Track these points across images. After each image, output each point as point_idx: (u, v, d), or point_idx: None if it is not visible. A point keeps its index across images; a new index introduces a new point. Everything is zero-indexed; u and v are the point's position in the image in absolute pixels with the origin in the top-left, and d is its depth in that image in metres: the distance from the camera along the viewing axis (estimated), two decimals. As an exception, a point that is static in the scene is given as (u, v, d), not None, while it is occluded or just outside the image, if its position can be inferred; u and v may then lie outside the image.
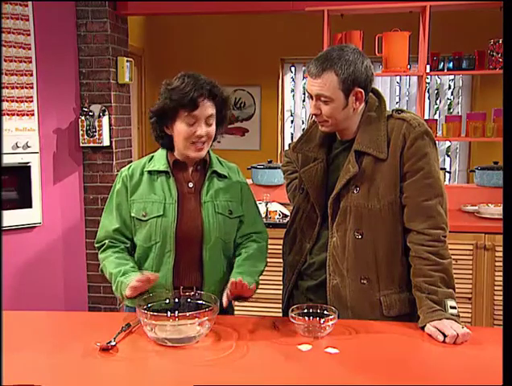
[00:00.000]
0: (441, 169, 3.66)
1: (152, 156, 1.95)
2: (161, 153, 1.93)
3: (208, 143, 1.87)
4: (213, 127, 1.86)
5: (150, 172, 1.90)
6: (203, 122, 1.82)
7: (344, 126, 1.81)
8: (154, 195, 1.86)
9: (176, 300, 1.74)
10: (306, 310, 1.69)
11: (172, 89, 1.81)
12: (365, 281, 1.79)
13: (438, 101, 6.09)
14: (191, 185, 1.90)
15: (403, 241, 1.79)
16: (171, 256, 1.84)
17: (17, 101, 3.49)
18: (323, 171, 1.86)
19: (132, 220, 1.88)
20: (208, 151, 1.94)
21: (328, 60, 1.71)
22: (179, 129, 1.82)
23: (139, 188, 1.88)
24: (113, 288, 1.83)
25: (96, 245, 1.94)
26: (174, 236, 1.83)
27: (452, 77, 5.93)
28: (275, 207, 3.51)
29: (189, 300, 1.73)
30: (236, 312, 2.03)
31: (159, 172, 1.89)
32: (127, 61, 3.96)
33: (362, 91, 1.75)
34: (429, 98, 5.95)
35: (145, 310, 1.61)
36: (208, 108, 1.82)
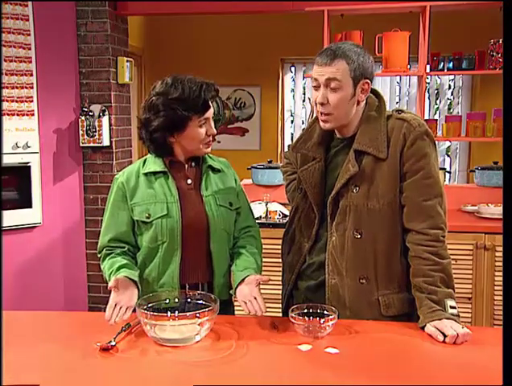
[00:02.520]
0: (441, 169, 3.67)
1: (145, 159, 1.95)
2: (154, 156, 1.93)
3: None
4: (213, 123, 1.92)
5: (146, 174, 1.89)
6: (211, 121, 1.87)
7: (345, 122, 1.80)
8: (155, 196, 1.86)
9: (176, 300, 1.74)
10: (306, 310, 1.69)
11: (177, 99, 1.79)
12: (363, 281, 1.79)
13: (438, 101, 6.09)
14: (189, 181, 1.91)
15: (402, 241, 1.79)
16: (178, 255, 1.85)
17: (17, 101, 3.49)
18: (321, 170, 1.86)
19: (136, 223, 1.88)
20: None
21: (338, 49, 1.74)
22: (193, 133, 1.84)
23: (138, 191, 1.88)
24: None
25: (98, 255, 1.95)
26: (180, 234, 1.84)
27: (452, 77, 5.92)
28: (275, 207, 3.51)
29: (189, 300, 1.74)
30: (236, 312, 2.03)
31: (156, 173, 1.89)
32: (127, 61, 3.96)
33: (369, 82, 1.77)
34: (429, 98, 5.95)
35: (145, 310, 1.61)
36: (212, 108, 1.88)
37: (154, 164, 1.90)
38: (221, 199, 1.92)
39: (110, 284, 1.70)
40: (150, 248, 1.86)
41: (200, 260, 1.89)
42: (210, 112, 1.86)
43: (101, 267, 1.91)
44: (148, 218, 1.84)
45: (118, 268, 1.80)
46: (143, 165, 1.93)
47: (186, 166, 1.93)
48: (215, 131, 1.89)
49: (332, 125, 1.80)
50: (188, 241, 1.86)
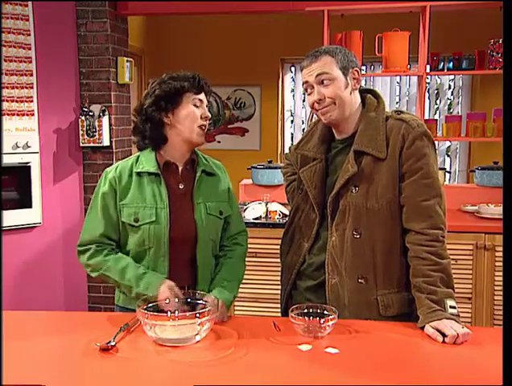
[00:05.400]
0: (441, 169, 3.67)
1: (138, 156, 1.91)
2: (149, 153, 1.89)
3: (205, 131, 1.90)
4: None
5: (139, 174, 1.86)
6: (205, 107, 1.87)
7: (346, 112, 1.80)
8: (145, 200, 1.83)
9: (176, 300, 1.74)
10: (306, 310, 1.69)
11: (174, 77, 1.84)
12: (362, 281, 1.79)
13: (438, 101, 6.09)
14: (181, 186, 1.89)
15: (402, 241, 1.79)
16: (166, 261, 1.84)
17: (17, 101, 3.49)
18: (322, 171, 1.87)
19: (122, 225, 1.85)
20: (195, 150, 1.94)
21: (319, 49, 1.81)
22: (187, 111, 1.83)
23: (129, 192, 1.85)
24: (140, 288, 1.78)
25: (78, 248, 1.90)
26: (167, 241, 1.83)
27: (452, 77, 5.92)
28: (275, 207, 3.51)
29: (189, 300, 1.74)
30: (236, 312, 2.03)
31: (149, 174, 1.86)
32: (127, 61, 3.96)
33: (358, 70, 1.81)
34: (429, 98, 5.95)
35: (145, 310, 1.61)
36: (205, 99, 1.89)
37: (148, 163, 1.86)
38: (212, 207, 1.90)
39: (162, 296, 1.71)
40: (137, 252, 1.86)
41: (185, 266, 1.88)
42: (204, 98, 1.87)
43: (92, 262, 1.85)
44: (136, 222, 1.82)
45: (143, 273, 1.81)
46: (136, 162, 1.89)
47: (180, 168, 1.91)
48: (209, 114, 1.88)
49: (335, 114, 1.79)
50: (176, 248, 1.85)
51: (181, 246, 1.85)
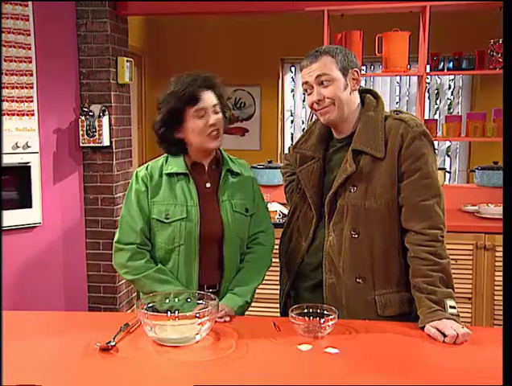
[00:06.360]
0: (441, 169, 3.67)
1: (167, 157, 1.96)
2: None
3: (221, 131, 1.90)
4: (221, 114, 1.90)
5: (169, 174, 1.90)
6: (211, 112, 1.86)
7: (345, 112, 1.80)
8: (176, 198, 1.87)
9: (176, 299, 1.74)
10: (306, 310, 1.69)
11: (171, 93, 1.84)
12: (360, 281, 1.79)
13: (438, 101, 6.09)
14: (208, 185, 1.93)
15: (401, 241, 1.79)
16: (196, 258, 1.86)
17: (17, 101, 3.48)
18: (319, 170, 1.87)
19: (151, 221, 1.88)
20: (220, 150, 1.98)
21: (320, 49, 1.80)
22: (192, 125, 1.85)
23: (160, 191, 1.89)
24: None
25: (117, 245, 1.89)
26: (198, 238, 1.85)
27: (452, 77, 5.92)
28: (275, 207, 3.51)
29: (189, 300, 1.74)
30: (236, 312, 2.02)
31: (178, 174, 1.90)
32: (127, 61, 3.96)
33: (358, 71, 1.81)
34: (429, 98, 5.95)
35: (145, 309, 1.61)
36: (211, 98, 1.87)
37: (176, 164, 1.91)
38: (237, 204, 1.92)
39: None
40: (166, 249, 1.87)
41: (212, 264, 1.90)
42: (204, 103, 1.84)
43: (129, 262, 1.85)
44: (167, 218, 1.85)
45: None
46: (166, 163, 1.93)
47: (206, 168, 1.94)
48: (213, 121, 1.86)
49: (334, 115, 1.80)
50: (204, 245, 1.88)
51: (210, 244, 1.88)
